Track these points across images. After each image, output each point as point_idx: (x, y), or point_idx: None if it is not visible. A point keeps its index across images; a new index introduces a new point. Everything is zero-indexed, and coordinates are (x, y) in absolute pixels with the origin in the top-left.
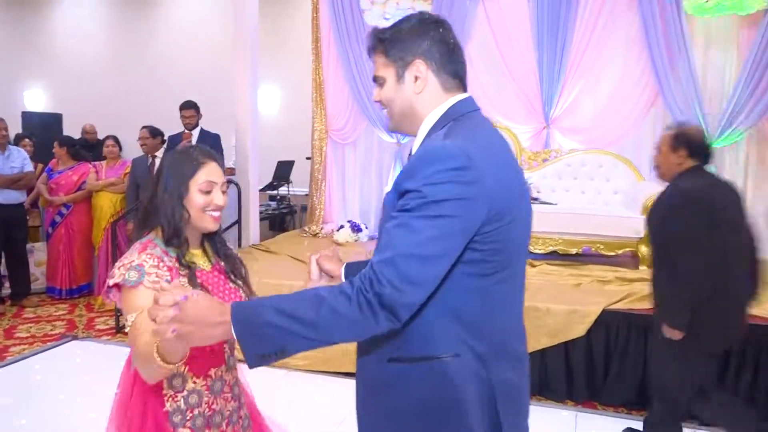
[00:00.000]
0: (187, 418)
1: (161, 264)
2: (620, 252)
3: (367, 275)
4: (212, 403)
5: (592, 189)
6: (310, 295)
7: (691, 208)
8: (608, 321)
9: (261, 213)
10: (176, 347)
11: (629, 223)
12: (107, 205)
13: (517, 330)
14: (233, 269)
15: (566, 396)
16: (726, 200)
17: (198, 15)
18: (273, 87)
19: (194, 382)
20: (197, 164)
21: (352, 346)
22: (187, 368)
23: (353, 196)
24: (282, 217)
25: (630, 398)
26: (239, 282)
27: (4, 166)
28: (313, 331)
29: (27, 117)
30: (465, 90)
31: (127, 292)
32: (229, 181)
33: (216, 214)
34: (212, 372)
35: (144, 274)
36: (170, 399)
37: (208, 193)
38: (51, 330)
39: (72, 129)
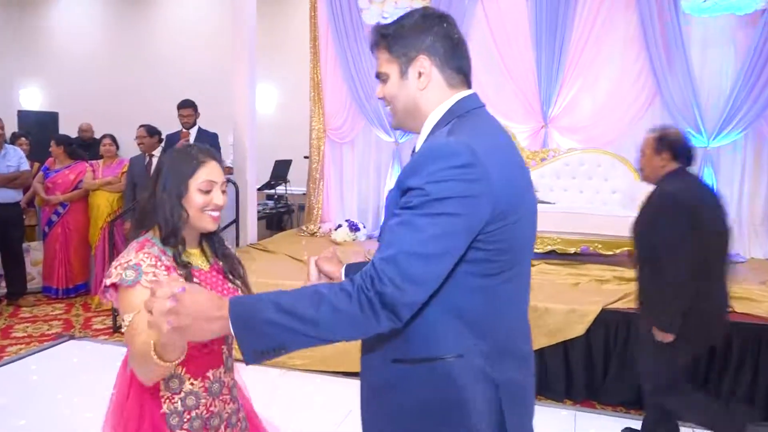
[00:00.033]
0: (185, 420)
1: (159, 263)
2: (618, 251)
3: (368, 273)
4: (210, 405)
5: (590, 188)
6: (309, 292)
7: (676, 210)
8: (607, 320)
9: (258, 212)
10: (173, 342)
11: (627, 222)
12: (104, 204)
13: (523, 329)
14: (231, 269)
15: (565, 395)
16: (709, 203)
17: (196, 13)
18: (270, 86)
19: (192, 384)
20: (197, 163)
21: (350, 346)
22: (184, 369)
23: (351, 196)
24: (279, 217)
25: (629, 398)
26: (237, 282)
27: (1, 165)
28: (312, 329)
29: (23, 116)
30: (470, 86)
31: (124, 292)
32: (227, 180)
33: (215, 214)
34: (210, 373)
35: (141, 273)
36: (167, 401)
37: (207, 192)
38: (48, 330)
39: (68, 128)
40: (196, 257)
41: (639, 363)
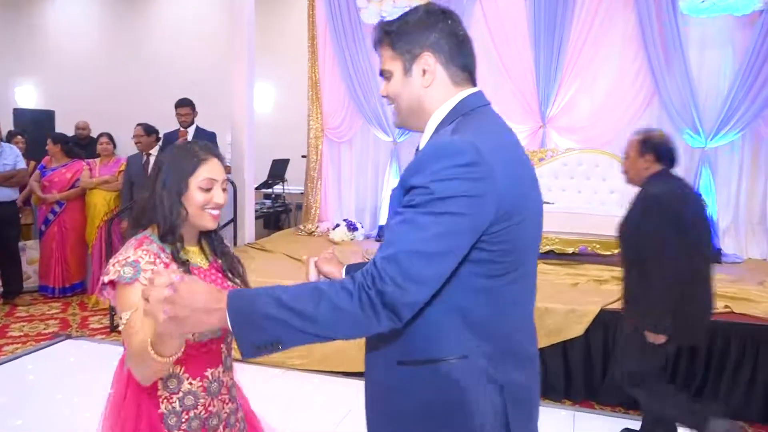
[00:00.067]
0: (183, 420)
1: (157, 260)
2: (616, 251)
3: (369, 271)
4: (209, 405)
5: (588, 188)
6: (309, 288)
7: (661, 212)
8: (606, 321)
9: (256, 211)
10: (169, 332)
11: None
12: (101, 203)
13: (528, 331)
14: (231, 267)
15: (564, 396)
16: (693, 205)
17: (194, 12)
18: (268, 85)
19: (190, 384)
20: (198, 161)
21: (348, 345)
22: (183, 369)
23: (349, 195)
24: (277, 216)
25: (628, 398)
26: (237, 280)
27: None
28: (310, 325)
29: (19, 114)
30: (474, 84)
31: (122, 289)
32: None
33: (215, 212)
34: (209, 373)
35: (140, 270)
36: (165, 401)
37: (208, 190)
38: (44, 329)
39: (65, 126)
40: (195, 255)
41: (622, 359)
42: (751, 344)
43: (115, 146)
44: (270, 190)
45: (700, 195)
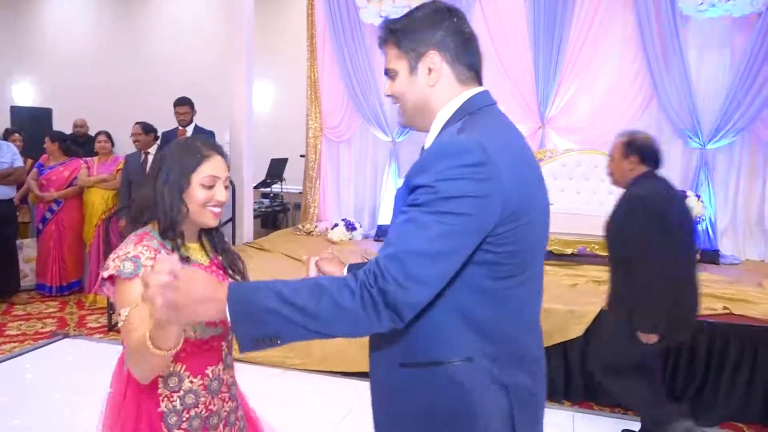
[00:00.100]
0: (183, 419)
1: (158, 256)
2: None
3: (371, 270)
4: (209, 404)
5: (587, 189)
6: (311, 283)
7: (646, 214)
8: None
9: (254, 211)
10: (166, 320)
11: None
12: (99, 201)
13: (534, 333)
14: (231, 264)
15: (563, 396)
16: (677, 206)
17: (192, 11)
18: (266, 84)
19: (191, 382)
20: (201, 157)
21: (348, 345)
22: (184, 367)
23: (348, 195)
24: (275, 215)
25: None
26: (237, 277)
27: None
28: (311, 322)
29: (16, 111)
30: (481, 83)
31: (122, 284)
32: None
33: (217, 210)
34: (209, 371)
35: (140, 266)
36: (165, 399)
37: (210, 188)
38: (42, 328)
39: (62, 124)
40: (195, 252)
41: (601, 351)
42: (750, 345)
43: (113, 145)
44: (268, 190)
45: (685, 196)
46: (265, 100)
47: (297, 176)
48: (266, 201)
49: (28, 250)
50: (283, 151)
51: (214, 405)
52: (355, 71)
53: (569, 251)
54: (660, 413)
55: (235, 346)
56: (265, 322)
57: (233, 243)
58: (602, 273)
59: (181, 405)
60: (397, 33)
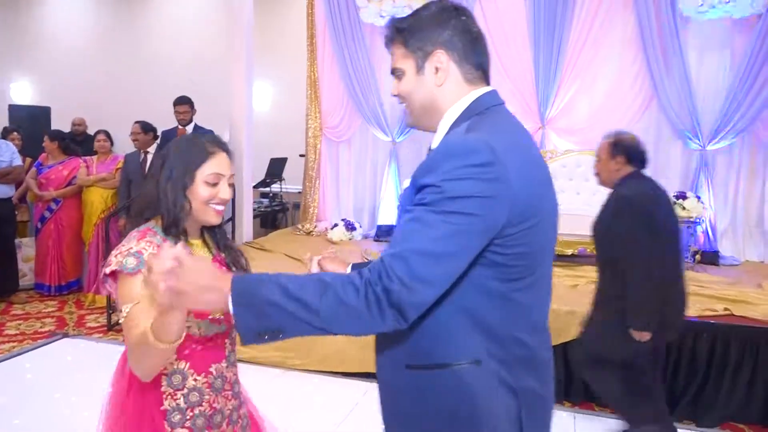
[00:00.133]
0: (187, 417)
1: (164, 245)
2: None
3: (376, 268)
4: (213, 402)
5: (587, 190)
6: (315, 279)
7: (633, 214)
8: None
9: (253, 210)
10: (169, 306)
11: None
12: (98, 200)
13: (543, 336)
14: (234, 261)
15: (564, 397)
16: (664, 206)
17: (192, 10)
18: (266, 83)
19: (195, 380)
20: (206, 154)
21: (348, 346)
22: (188, 365)
23: (347, 195)
24: (274, 215)
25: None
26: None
27: None
28: (314, 317)
29: (14, 110)
30: (488, 82)
31: (124, 280)
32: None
33: (220, 207)
34: (213, 368)
35: (143, 261)
36: (169, 397)
37: (214, 185)
38: (41, 327)
39: (61, 123)
40: (198, 248)
41: (587, 343)
42: (751, 346)
43: (112, 144)
44: (267, 189)
45: (670, 196)
46: (264, 100)
47: (296, 176)
48: (265, 201)
49: (26, 249)
50: (283, 150)
51: (218, 403)
52: (355, 71)
53: (569, 252)
54: (636, 414)
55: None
56: (268, 315)
57: None
58: None
59: (185, 403)
60: (403, 32)
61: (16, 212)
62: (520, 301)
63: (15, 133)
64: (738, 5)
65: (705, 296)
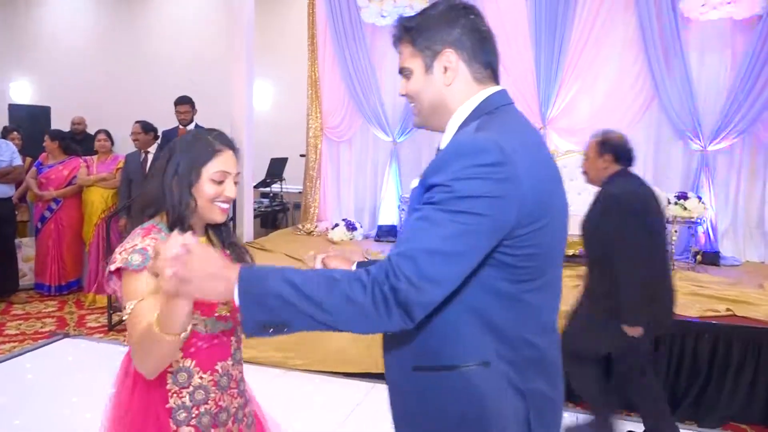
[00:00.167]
0: (193, 415)
1: (173, 233)
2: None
3: (383, 267)
4: (219, 400)
5: (588, 190)
6: (323, 274)
7: (620, 212)
8: None
9: (253, 210)
10: (174, 292)
11: None
12: (98, 200)
13: (552, 339)
14: (239, 258)
15: (566, 398)
16: (651, 204)
17: (193, 9)
18: (266, 83)
19: (201, 378)
20: (212, 151)
21: (349, 346)
22: (194, 363)
23: (348, 195)
24: (274, 215)
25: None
26: None
27: None
28: (319, 313)
29: (14, 109)
30: (497, 82)
31: (129, 276)
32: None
33: (225, 206)
34: (219, 366)
35: (148, 258)
36: (174, 395)
37: (220, 183)
38: (41, 327)
39: (61, 122)
40: None
41: (572, 343)
42: (753, 347)
43: (113, 143)
44: (268, 189)
45: (657, 194)
46: (264, 100)
47: (296, 176)
48: (266, 201)
49: (26, 249)
50: (283, 150)
51: (224, 401)
52: (356, 71)
53: (571, 252)
54: (606, 410)
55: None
56: (273, 307)
57: None
58: None
59: (191, 401)
60: (412, 31)
61: (16, 212)
62: (531, 302)
63: (15, 133)
64: (739, 6)
65: (706, 297)
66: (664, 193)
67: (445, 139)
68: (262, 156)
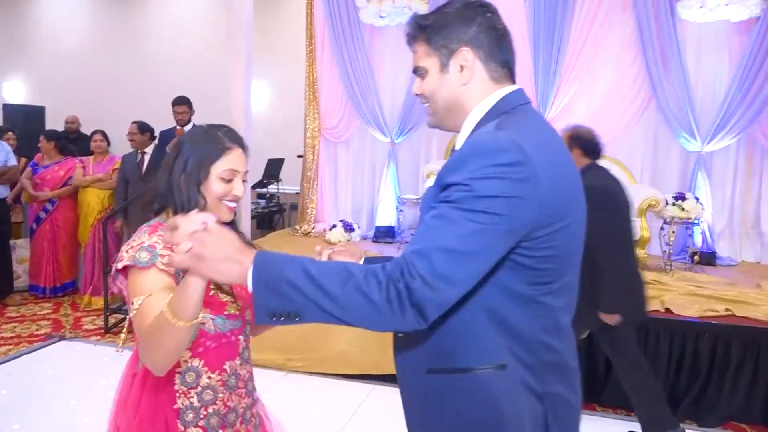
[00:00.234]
0: (201, 416)
1: (169, 257)
2: None
3: (399, 264)
4: (227, 400)
5: None
6: (338, 267)
7: (592, 204)
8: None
9: (250, 211)
10: (186, 268)
11: None
12: (94, 201)
13: (569, 343)
14: None
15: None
16: (620, 195)
17: (190, 9)
18: (263, 84)
19: (209, 378)
20: (222, 148)
21: (350, 348)
22: (202, 363)
23: (345, 196)
24: (271, 216)
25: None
26: None
27: None
28: (331, 304)
29: (8, 109)
30: (514, 81)
31: (137, 274)
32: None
33: (233, 204)
34: (227, 365)
35: (156, 255)
36: (182, 396)
37: (228, 181)
38: (36, 330)
39: (56, 122)
40: None
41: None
42: (752, 347)
43: (109, 144)
44: (264, 190)
45: (624, 186)
46: (261, 100)
47: (293, 177)
48: (262, 201)
49: (21, 250)
50: (280, 151)
51: (232, 401)
52: (354, 71)
53: None
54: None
55: (257, 339)
56: (288, 296)
57: None
58: None
59: (199, 402)
60: (427, 29)
61: (11, 213)
62: (549, 304)
63: (10, 133)
64: (736, 8)
65: (705, 297)
66: (662, 194)
67: (460, 139)
68: (259, 157)
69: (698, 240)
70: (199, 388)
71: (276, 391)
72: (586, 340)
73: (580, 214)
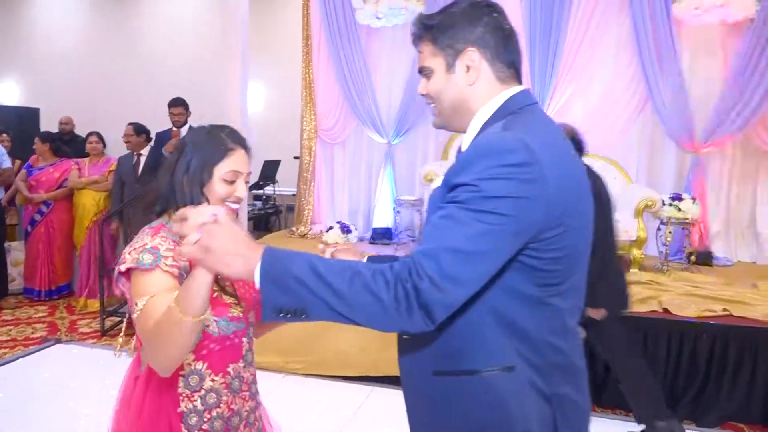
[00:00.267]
0: (205, 419)
1: (177, 248)
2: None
3: (406, 264)
4: (231, 403)
5: None
6: (346, 265)
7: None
8: None
9: (246, 213)
10: (190, 257)
11: (620, 226)
12: (90, 203)
13: (576, 341)
14: None
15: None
16: (603, 191)
17: (186, 9)
18: (259, 85)
19: (212, 380)
20: (225, 150)
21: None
22: (206, 365)
23: (342, 197)
24: (267, 218)
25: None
26: None
27: None
28: (338, 302)
29: (2, 111)
30: (520, 81)
31: (140, 276)
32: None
33: (235, 206)
34: (231, 368)
35: (160, 257)
36: (186, 399)
37: (231, 183)
38: (32, 333)
39: (50, 124)
40: None
41: None
42: (750, 347)
43: (104, 145)
44: (260, 192)
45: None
46: (257, 101)
47: (289, 178)
48: (258, 203)
49: (15, 253)
50: (276, 152)
51: (236, 404)
52: (350, 72)
53: None
54: None
55: (256, 341)
56: (295, 292)
57: None
58: None
59: (203, 405)
60: (432, 29)
61: (5, 215)
62: (556, 305)
63: (4, 135)
64: (731, 9)
65: (702, 297)
66: (658, 195)
67: (466, 140)
68: (255, 158)
69: (695, 240)
70: (203, 391)
71: (275, 393)
72: (585, 341)
73: (588, 214)
